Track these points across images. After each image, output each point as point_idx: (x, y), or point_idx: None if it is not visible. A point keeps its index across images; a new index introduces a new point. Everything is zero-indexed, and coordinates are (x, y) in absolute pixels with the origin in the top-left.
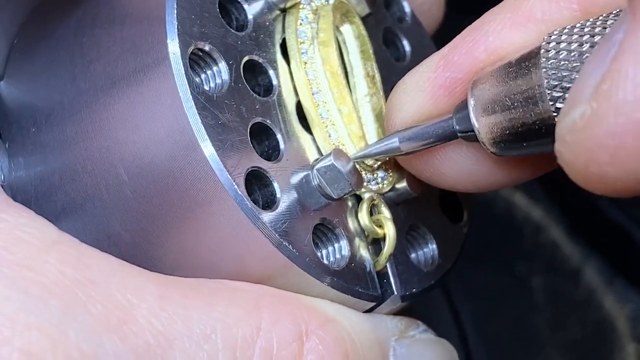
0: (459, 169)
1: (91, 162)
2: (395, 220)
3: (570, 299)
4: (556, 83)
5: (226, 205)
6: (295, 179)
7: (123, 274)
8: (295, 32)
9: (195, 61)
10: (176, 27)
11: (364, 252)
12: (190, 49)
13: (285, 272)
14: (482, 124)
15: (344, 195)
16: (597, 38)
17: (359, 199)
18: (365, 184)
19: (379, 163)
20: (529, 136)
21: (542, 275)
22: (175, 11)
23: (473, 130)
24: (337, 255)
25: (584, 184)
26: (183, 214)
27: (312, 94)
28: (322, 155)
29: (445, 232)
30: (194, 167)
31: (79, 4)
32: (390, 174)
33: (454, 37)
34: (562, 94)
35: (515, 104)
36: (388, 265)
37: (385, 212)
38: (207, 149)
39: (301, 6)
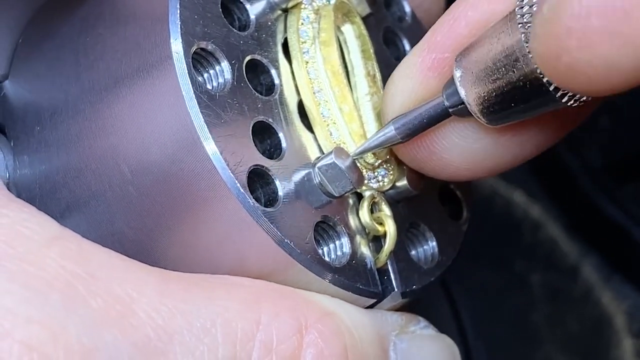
0: (460, 151)
1: (95, 160)
2: (396, 218)
3: (569, 295)
4: None
5: (228, 203)
6: (297, 177)
7: (123, 268)
8: (296, 32)
9: (198, 60)
10: (179, 26)
11: (364, 249)
12: (193, 49)
13: (287, 269)
14: (469, 93)
15: (345, 193)
16: None
17: (359, 197)
18: (366, 182)
19: (379, 161)
20: (516, 96)
21: (540, 272)
22: (179, 11)
23: (463, 103)
24: (339, 253)
25: (560, 78)
26: (185, 211)
27: (314, 93)
28: (323, 153)
29: (445, 229)
30: (196, 165)
31: (83, 3)
32: (391, 172)
33: None
34: None
35: (498, 66)
36: (388, 263)
37: (386, 210)
38: (210, 146)
39: (303, 6)
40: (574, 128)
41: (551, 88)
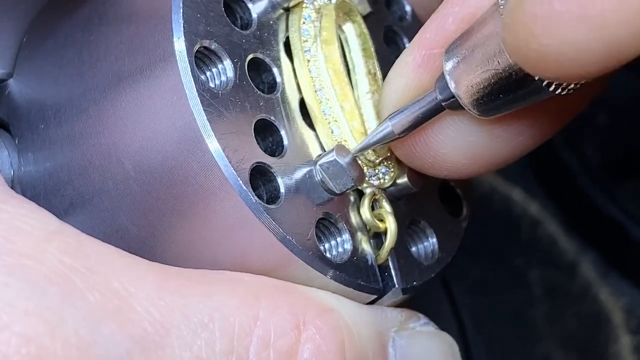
0: (457, 146)
1: (99, 158)
2: (397, 215)
3: (567, 292)
4: None
5: (231, 200)
6: (299, 174)
7: (122, 263)
8: (298, 31)
9: (201, 59)
10: (182, 25)
11: (365, 246)
12: (196, 47)
13: (289, 265)
14: (459, 85)
15: (346, 190)
16: None
17: (360, 194)
18: (367, 179)
19: (380, 159)
20: (504, 86)
21: (539, 269)
22: (182, 10)
23: (454, 96)
24: (340, 249)
25: (531, 66)
26: (188, 208)
27: (315, 91)
28: (324, 151)
29: (445, 226)
30: (199, 162)
31: (86, 2)
32: (392, 170)
33: None
34: None
35: (484, 57)
36: (389, 259)
37: (387, 207)
38: (213, 144)
39: (304, 5)
40: (571, 120)
41: (536, 77)
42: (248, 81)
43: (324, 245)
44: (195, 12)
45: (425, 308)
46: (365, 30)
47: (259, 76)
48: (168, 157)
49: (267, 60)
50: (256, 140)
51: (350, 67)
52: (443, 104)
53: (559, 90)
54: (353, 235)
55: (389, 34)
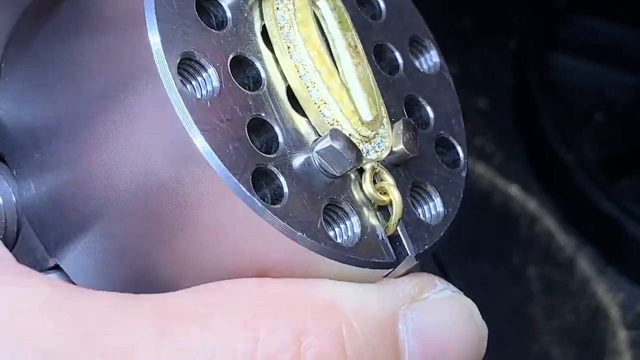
0: None
1: (99, 182)
2: (397, 182)
3: (565, 287)
4: None
5: (239, 211)
6: (298, 165)
7: (118, 316)
8: (274, 18)
9: (185, 69)
10: (160, 42)
11: (374, 221)
12: (177, 61)
13: (304, 260)
14: None
15: (346, 172)
16: None
17: (360, 170)
18: (364, 154)
19: (374, 132)
20: None
21: (537, 265)
22: (157, 26)
23: None
24: (349, 233)
25: None
26: (198, 224)
27: (300, 76)
28: (319, 136)
29: (446, 180)
30: (199, 179)
31: (59, 25)
32: (386, 140)
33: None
34: None
35: None
36: (398, 228)
37: (389, 179)
38: (211, 158)
39: None
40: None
41: None
42: (234, 84)
43: (334, 231)
44: (170, 24)
45: None
46: (339, 3)
47: (243, 73)
48: (167, 175)
49: (248, 55)
50: (251, 140)
51: (330, 42)
52: None
53: None
54: (360, 215)
55: None
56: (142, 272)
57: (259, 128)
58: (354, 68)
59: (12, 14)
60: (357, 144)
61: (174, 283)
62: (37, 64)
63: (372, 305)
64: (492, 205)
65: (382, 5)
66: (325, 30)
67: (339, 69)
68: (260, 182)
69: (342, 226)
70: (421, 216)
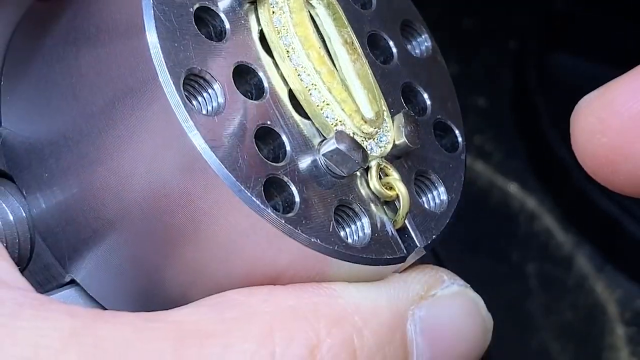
0: None
1: (110, 199)
2: (401, 172)
3: (563, 284)
4: None
5: (252, 223)
6: (306, 169)
7: (138, 342)
8: (270, 22)
9: (190, 85)
10: (164, 62)
11: (382, 217)
12: (182, 79)
13: (316, 264)
14: None
15: (354, 172)
16: None
17: (366, 167)
18: (368, 152)
19: (376, 130)
20: None
21: (536, 262)
22: (159, 45)
23: None
24: (360, 234)
25: None
26: (207, 236)
27: (301, 80)
28: (324, 137)
29: (447, 166)
30: (211, 192)
31: (55, 44)
32: (389, 134)
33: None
34: None
35: None
36: (406, 221)
37: (394, 174)
38: (223, 173)
39: None
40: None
41: None
42: (238, 95)
43: (344, 231)
44: (172, 42)
45: None
46: (333, 0)
47: (246, 82)
48: (177, 190)
49: (250, 64)
50: (260, 150)
51: (326, 40)
52: None
53: None
54: (370, 213)
55: None
56: (155, 283)
57: (266, 136)
58: (352, 65)
59: (10, 19)
60: (361, 142)
61: (187, 293)
62: (38, 84)
63: (382, 311)
64: (492, 203)
65: None
66: (321, 29)
67: (337, 67)
68: (272, 191)
69: (352, 226)
70: (426, 205)
